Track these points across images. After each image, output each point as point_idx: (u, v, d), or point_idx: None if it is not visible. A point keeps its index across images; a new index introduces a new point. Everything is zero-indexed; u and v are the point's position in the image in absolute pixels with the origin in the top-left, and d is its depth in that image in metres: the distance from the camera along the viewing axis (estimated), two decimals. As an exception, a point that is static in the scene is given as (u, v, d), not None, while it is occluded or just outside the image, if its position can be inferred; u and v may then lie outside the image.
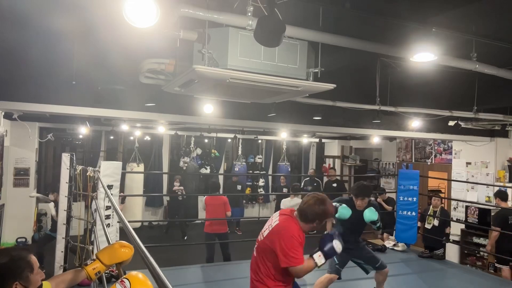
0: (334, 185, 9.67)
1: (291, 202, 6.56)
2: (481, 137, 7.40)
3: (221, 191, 7.95)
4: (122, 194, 6.76)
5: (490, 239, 6.02)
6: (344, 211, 3.97)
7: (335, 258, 3.91)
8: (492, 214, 6.45)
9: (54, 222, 6.09)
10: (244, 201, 11.54)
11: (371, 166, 11.95)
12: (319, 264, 2.61)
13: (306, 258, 2.62)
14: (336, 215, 3.93)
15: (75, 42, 3.71)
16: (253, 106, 4.76)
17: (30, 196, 7.12)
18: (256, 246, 2.76)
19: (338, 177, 10.37)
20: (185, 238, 9.22)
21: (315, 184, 10.22)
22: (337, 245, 2.71)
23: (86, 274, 1.91)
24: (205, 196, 6.54)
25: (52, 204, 6.14)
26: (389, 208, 7.40)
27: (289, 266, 2.51)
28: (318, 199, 2.67)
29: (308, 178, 10.86)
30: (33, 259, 1.76)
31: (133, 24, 2.15)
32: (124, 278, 1.55)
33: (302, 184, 10.70)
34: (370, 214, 3.99)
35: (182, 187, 9.71)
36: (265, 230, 2.71)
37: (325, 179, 10.56)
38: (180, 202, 9.76)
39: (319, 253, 2.64)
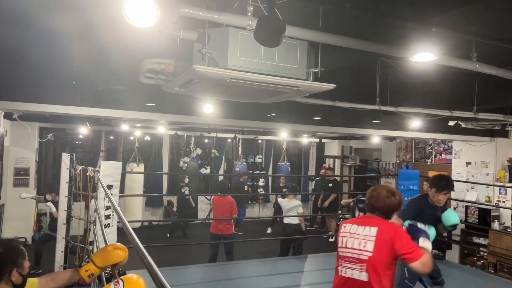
0: (330, 185, 9.73)
1: (290, 203, 6.52)
2: (481, 137, 7.40)
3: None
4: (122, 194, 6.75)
5: None
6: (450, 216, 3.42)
7: (406, 272, 3.37)
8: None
9: (52, 222, 6.09)
10: (249, 202, 11.55)
11: (371, 166, 11.95)
12: (429, 249, 2.52)
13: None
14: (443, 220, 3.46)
15: (75, 42, 3.72)
16: (253, 106, 4.76)
17: (21, 197, 6.61)
18: (362, 267, 2.42)
19: (337, 178, 10.42)
20: (186, 237, 9.26)
21: (330, 184, 9.83)
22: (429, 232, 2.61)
23: (79, 276, 1.94)
24: (213, 196, 6.50)
25: (50, 203, 6.14)
26: None
27: (418, 261, 2.35)
28: (390, 191, 2.55)
29: (319, 178, 10.80)
30: (23, 248, 1.90)
31: (133, 24, 2.15)
32: (119, 279, 1.57)
33: (313, 184, 10.75)
34: (451, 217, 3.41)
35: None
36: (364, 244, 2.43)
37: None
38: (187, 201, 9.69)
39: (422, 238, 2.54)
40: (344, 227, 2.60)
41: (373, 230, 2.44)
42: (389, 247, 2.38)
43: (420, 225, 2.69)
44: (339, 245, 2.58)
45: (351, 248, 2.48)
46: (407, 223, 2.84)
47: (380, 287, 2.39)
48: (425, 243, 2.54)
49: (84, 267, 1.95)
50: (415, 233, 2.59)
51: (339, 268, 2.55)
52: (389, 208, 2.53)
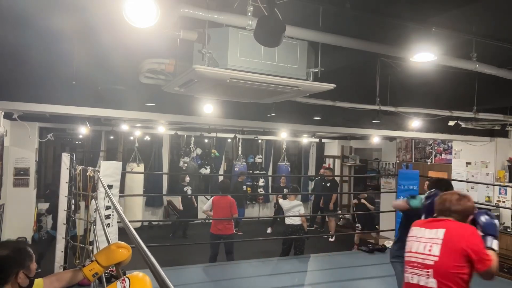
0: (328, 184, 9.77)
1: (290, 204, 6.51)
2: (481, 137, 7.40)
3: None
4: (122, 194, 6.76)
5: None
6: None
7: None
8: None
9: (55, 221, 6.08)
10: (248, 202, 11.54)
11: (371, 166, 11.96)
12: (497, 250, 2.34)
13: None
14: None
15: (75, 42, 3.71)
16: (253, 106, 4.76)
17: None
18: (428, 273, 2.30)
19: (337, 178, 10.45)
20: (187, 237, 9.27)
21: (328, 184, 9.83)
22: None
23: (84, 275, 1.94)
24: (213, 196, 6.45)
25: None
26: (372, 207, 8.28)
27: (487, 269, 2.22)
28: (462, 195, 2.45)
29: (319, 178, 10.78)
30: (31, 250, 1.89)
31: (133, 24, 2.15)
32: (126, 277, 1.59)
33: (313, 184, 10.76)
34: None
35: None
36: (430, 248, 2.32)
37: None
38: (190, 200, 9.67)
39: (494, 240, 2.34)
40: (412, 230, 2.49)
41: (440, 232, 2.32)
42: (459, 249, 2.24)
43: (489, 215, 2.46)
44: (406, 249, 2.49)
45: (416, 253, 2.40)
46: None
47: None
48: (495, 245, 2.34)
49: (88, 266, 1.96)
50: (487, 228, 2.38)
51: (406, 275, 2.46)
52: (465, 210, 2.40)
